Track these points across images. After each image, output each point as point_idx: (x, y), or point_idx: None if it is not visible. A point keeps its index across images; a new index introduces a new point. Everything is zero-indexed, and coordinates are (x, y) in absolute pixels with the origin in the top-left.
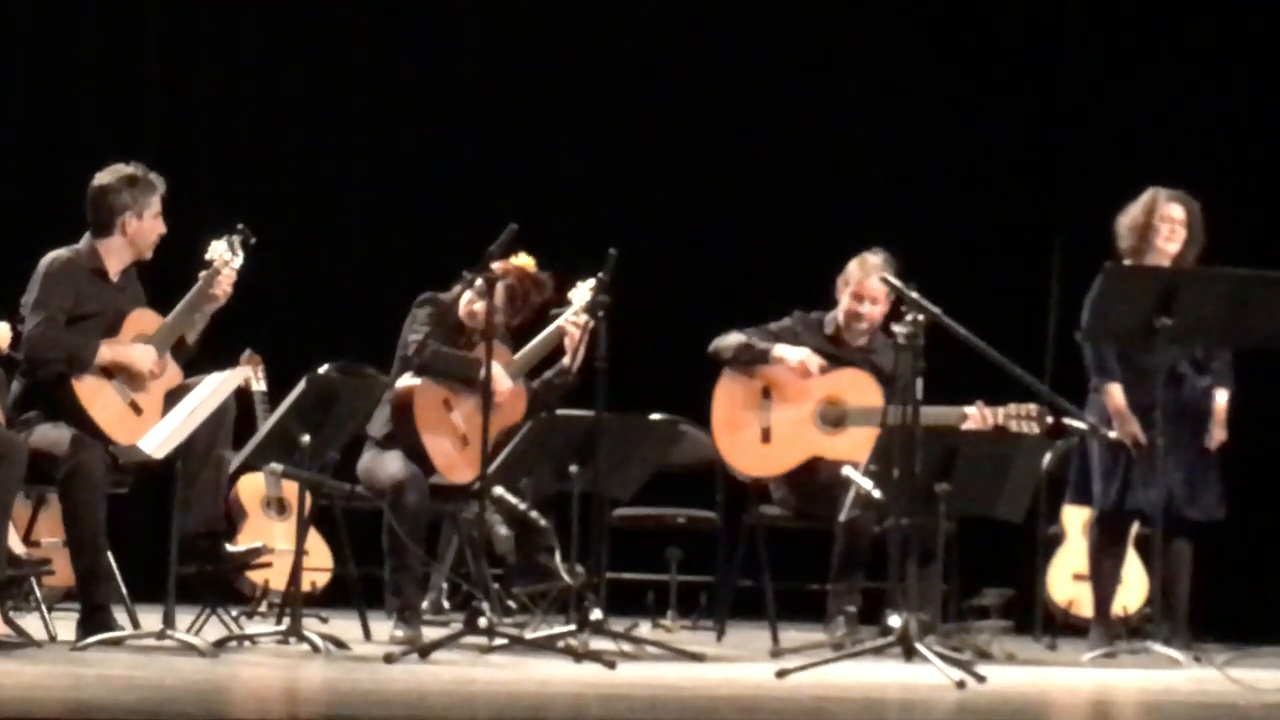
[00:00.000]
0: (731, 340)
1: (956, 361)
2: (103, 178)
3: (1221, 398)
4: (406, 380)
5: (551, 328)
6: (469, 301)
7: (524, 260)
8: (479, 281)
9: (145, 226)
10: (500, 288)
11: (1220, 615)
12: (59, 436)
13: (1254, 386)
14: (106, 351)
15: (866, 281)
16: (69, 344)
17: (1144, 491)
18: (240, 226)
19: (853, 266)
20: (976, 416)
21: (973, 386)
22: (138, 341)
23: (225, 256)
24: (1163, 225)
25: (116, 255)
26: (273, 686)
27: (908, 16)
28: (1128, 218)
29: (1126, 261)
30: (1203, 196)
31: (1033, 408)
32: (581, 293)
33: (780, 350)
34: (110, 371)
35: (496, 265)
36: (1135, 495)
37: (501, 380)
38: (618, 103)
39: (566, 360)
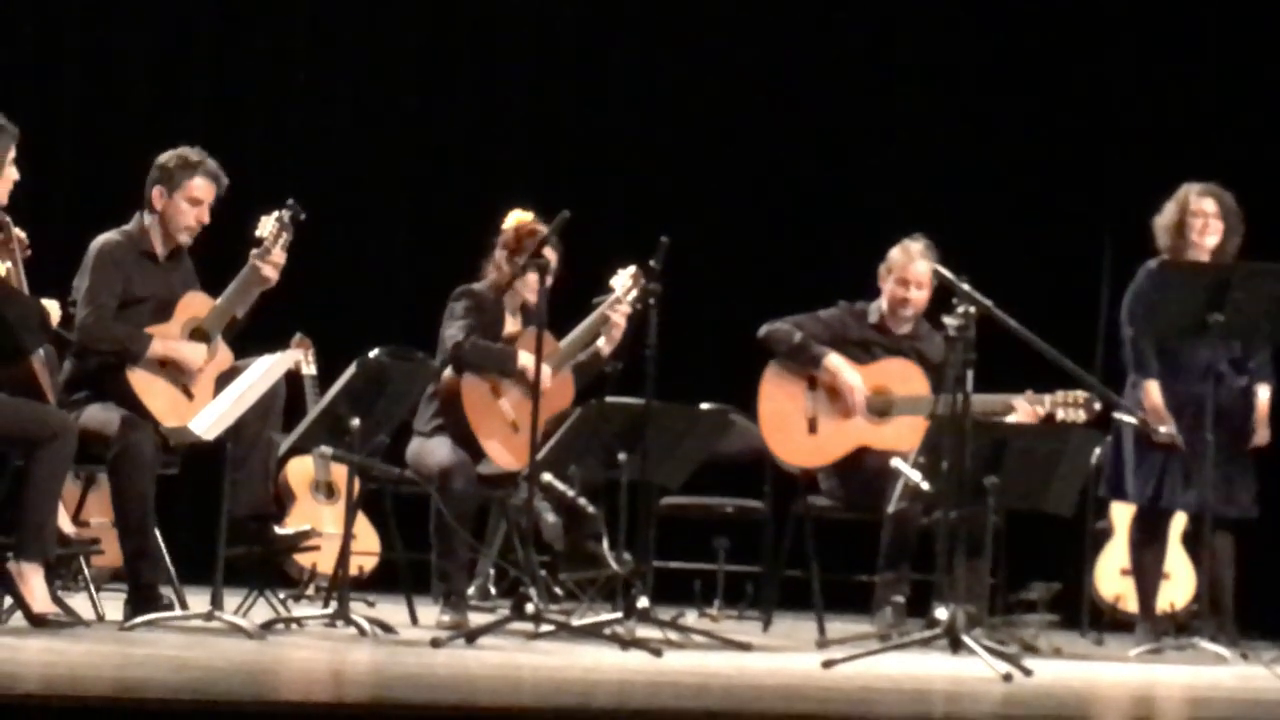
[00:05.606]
0: (784, 332)
1: (1005, 352)
2: (163, 155)
3: (1264, 394)
4: (450, 374)
5: (594, 315)
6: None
7: (522, 216)
8: (531, 273)
9: (174, 206)
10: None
11: (1268, 613)
12: (109, 417)
13: None
14: (159, 346)
15: (911, 267)
16: (121, 335)
17: (1181, 489)
18: (290, 201)
19: (896, 253)
20: (1025, 406)
21: (1021, 377)
22: (189, 325)
23: (275, 230)
24: (1195, 220)
25: (157, 234)
26: (319, 669)
27: (958, 10)
28: (1163, 217)
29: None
30: (1256, 192)
31: (1080, 395)
32: (623, 279)
33: (835, 363)
34: (163, 362)
35: (509, 226)
36: (1172, 493)
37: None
38: (667, 91)
39: (603, 344)
